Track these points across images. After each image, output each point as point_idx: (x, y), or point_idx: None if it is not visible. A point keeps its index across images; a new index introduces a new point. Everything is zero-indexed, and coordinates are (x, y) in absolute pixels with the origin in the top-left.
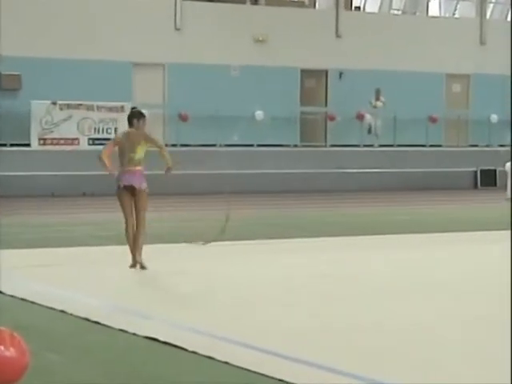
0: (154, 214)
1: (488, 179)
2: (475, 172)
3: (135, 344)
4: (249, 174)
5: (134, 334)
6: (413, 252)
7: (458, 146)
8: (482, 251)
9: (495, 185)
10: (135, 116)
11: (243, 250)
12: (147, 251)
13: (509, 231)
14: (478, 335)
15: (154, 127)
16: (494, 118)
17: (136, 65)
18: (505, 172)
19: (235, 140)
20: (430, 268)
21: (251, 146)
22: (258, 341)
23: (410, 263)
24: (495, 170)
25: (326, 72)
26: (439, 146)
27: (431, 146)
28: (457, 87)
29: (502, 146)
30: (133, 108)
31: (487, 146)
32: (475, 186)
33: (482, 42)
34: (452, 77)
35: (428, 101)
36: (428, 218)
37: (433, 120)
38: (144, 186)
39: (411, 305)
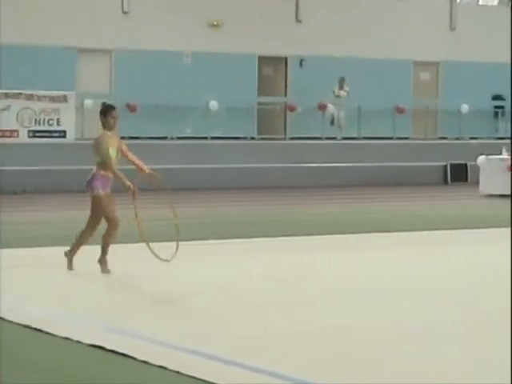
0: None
1: (459, 174)
2: (445, 166)
3: (79, 353)
4: (202, 168)
5: (78, 342)
6: (375, 253)
7: (426, 139)
8: (447, 252)
9: (466, 180)
10: (114, 117)
11: (192, 251)
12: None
13: (480, 230)
14: (440, 337)
15: (99, 118)
16: (465, 108)
17: (81, 51)
18: (477, 166)
19: (188, 132)
20: (390, 269)
21: (205, 138)
22: (210, 348)
23: (370, 265)
24: (466, 165)
25: (286, 59)
26: (406, 138)
27: (398, 138)
28: (425, 75)
29: (473, 138)
30: (109, 105)
31: (458, 138)
32: (445, 182)
33: (452, 28)
34: (420, 64)
35: (395, 90)
36: (394, 216)
37: (400, 111)
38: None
39: (364, 307)
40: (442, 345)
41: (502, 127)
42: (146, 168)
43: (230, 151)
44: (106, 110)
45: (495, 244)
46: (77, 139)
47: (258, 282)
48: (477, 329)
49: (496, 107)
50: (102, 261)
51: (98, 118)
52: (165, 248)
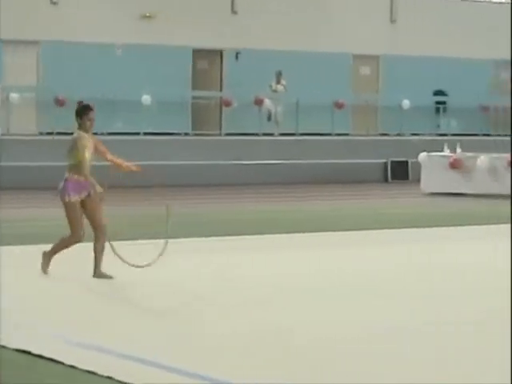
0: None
1: (399, 172)
2: (385, 164)
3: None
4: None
5: (3, 347)
6: (316, 252)
7: (366, 135)
8: (390, 251)
9: (407, 178)
10: (90, 119)
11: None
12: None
13: (422, 229)
14: (388, 337)
15: (25, 113)
16: (406, 103)
17: (6, 42)
18: (418, 164)
19: (119, 127)
20: (336, 269)
21: (137, 134)
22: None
23: (311, 264)
24: (407, 162)
25: (221, 52)
26: (346, 134)
27: (337, 134)
28: (365, 69)
29: (414, 134)
30: (85, 105)
31: (399, 134)
32: (385, 179)
33: (393, 20)
34: (360, 58)
35: (334, 85)
36: (331, 215)
37: (339, 106)
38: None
39: (310, 307)
40: (391, 345)
41: (444, 123)
42: (130, 165)
43: (163, 148)
44: (83, 111)
45: (438, 243)
46: (2, 134)
47: (197, 283)
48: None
49: (438, 103)
50: (97, 272)
51: (26, 112)
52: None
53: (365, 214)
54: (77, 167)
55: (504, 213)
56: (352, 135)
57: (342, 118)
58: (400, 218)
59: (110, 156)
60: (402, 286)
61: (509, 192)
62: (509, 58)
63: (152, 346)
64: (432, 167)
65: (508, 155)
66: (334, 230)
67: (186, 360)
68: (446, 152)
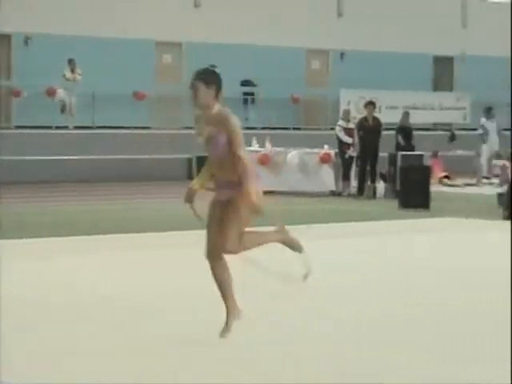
0: None
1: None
2: (190, 159)
3: None
4: None
5: None
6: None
7: (169, 128)
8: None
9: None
10: None
11: None
12: None
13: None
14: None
15: None
16: None
17: None
18: None
19: None
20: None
21: None
22: None
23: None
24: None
25: (9, 37)
26: (148, 128)
27: (137, 127)
28: (167, 57)
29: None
30: None
31: None
32: (190, 176)
33: (197, 5)
34: (163, 45)
35: (134, 74)
36: (126, 216)
37: (139, 97)
38: None
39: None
40: None
41: (253, 116)
42: None
43: None
44: None
45: None
46: None
47: None
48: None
49: (246, 94)
50: None
51: None
52: None
53: (164, 214)
54: None
55: (311, 211)
56: (153, 129)
57: (144, 110)
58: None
59: None
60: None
61: (320, 189)
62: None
63: None
64: None
65: (320, 150)
66: (129, 233)
67: None
68: (255, 147)
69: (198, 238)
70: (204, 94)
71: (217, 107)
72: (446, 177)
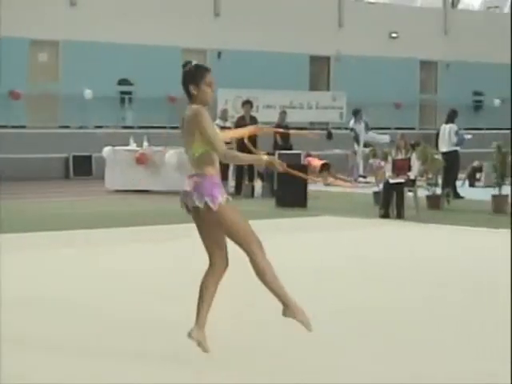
0: None
1: (83, 167)
2: (67, 159)
3: None
4: None
5: None
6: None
7: (45, 128)
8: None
9: (91, 174)
10: None
11: None
12: None
13: (109, 230)
14: None
15: None
16: (89, 93)
17: None
18: (103, 159)
19: None
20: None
21: None
22: None
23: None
24: (91, 157)
25: None
26: (22, 127)
27: (13, 127)
28: (43, 56)
29: (98, 127)
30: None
31: (81, 127)
32: (67, 176)
33: (73, 3)
34: (38, 43)
35: (8, 73)
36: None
37: (15, 96)
38: None
39: None
40: None
41: (130, 115)
42: None
43: None
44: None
45: (127, 246)
46: None
47: None
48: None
49: (123, 93)
50: None
51: None
52: None
53: (41, 214)
54: None
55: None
56: (29, 128)
57: (19, 109)
58: (83, 218)
59: None
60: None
61: None
62: None
63: None
64: (117, 162)
65: None
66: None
67: None
68: (133, 146)
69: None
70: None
71: None
72: (326, 165)
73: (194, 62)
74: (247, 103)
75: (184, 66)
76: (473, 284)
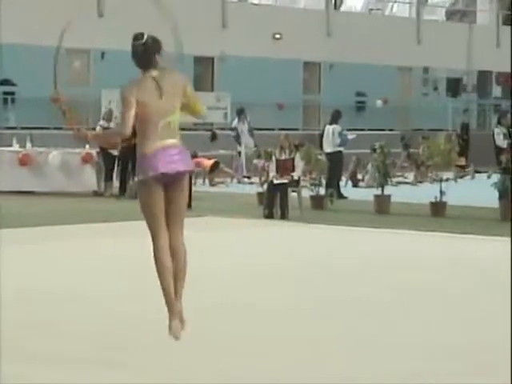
0: None
1: None
2: None
3: None
4: None
5: None
6: None
7: None
8: None
9: None
10: None
11: None
12: None
13: None
14: None
15: None
16: None
17: None
18: None
19: None
20: None
21: None
22: None
23: None
24: None
25: None
26: None
27: None
28: None
29: None
30: None
31: None
32: None
33: None
34: None
35: None
36: None
37: None
38: None
39: None
40: None
41: (13, 116)
42: None
43: None
44: None
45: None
46: None
47: None
48: None
49: (5, 93)
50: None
51: None
52: None
53: None
54: None
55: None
56: None
57: None
58: None
59: None
60: None
61: (83, 189)
62: None
63: None
64: (0, 163)
65: (82, 150)
66: None
67: None
68: (15, 147)
69: None
70: None
71: None
72: (216, 163)
73: (147, 33)
74: None
75: (139, 37)
76: (356, 283)
